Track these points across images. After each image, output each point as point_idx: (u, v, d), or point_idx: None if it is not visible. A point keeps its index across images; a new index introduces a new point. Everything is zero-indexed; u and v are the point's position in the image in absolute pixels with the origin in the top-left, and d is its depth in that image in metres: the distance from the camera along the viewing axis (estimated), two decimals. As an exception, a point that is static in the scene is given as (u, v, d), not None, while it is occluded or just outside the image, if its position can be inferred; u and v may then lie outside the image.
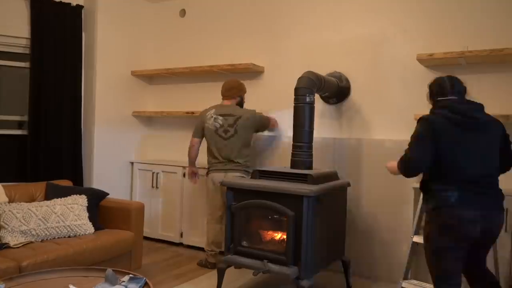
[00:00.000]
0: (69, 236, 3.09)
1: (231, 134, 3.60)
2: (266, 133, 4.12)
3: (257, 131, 3.79)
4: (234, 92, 3.74)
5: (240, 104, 3.80)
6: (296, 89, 3.22)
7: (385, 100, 3.62)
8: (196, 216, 4.26)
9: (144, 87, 4.92)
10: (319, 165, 3.71)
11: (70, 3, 4.20)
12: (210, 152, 3.70)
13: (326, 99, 3.84)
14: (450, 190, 2.18)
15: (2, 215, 2.92)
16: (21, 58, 4.09)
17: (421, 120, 2.27)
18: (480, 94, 3.25)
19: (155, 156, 4.92)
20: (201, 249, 4.09)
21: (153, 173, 4.52)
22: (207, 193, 3.78)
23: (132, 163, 4.70)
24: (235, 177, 3.50)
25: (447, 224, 2.18)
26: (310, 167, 3.19)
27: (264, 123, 3.80)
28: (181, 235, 4.38)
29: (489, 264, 2.47)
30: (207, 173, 3.74)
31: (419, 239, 3.32)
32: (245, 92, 3.84)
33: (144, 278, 2.12)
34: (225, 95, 3.75)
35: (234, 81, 3.79)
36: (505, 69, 3.17)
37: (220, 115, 3.64)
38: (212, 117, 3.66)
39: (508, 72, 3.16)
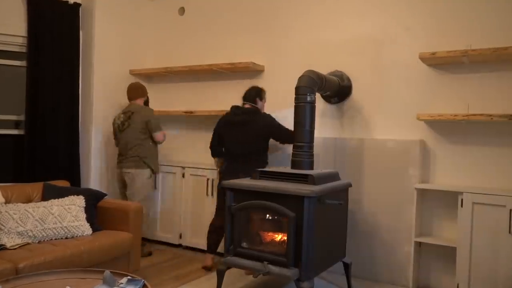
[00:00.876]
0: (66, 238, 3.05)
1: (125, 127, 4.03)
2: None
3: (147, 127, 4.01)
4: (139, 93, 4.15)
5: (146, 103, 4.25)
6: (296, 88, 3.18)
7: (387, 99, 3.58)
8: (195, 217, 4.22)
9: (142, 86, 4.88)
10: (320, 165, 3.68)
11: (67, 1, 4.16)
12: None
13: (327, 98, 3.81)
14: None
15: (-2, 216, 2.88)
16: (18, 56, 4.05)
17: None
18: (483, 93, 3.22)
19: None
20: (201, 250, 4.05)
21: (151, 173, 4.47)
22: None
23: (130, 163, 4.66)
24: (236, 179, 3.47)
25: None
26: (311, 167, 3.16)
27: (151, 126, 4.01)
28: (180, 236, 4.34)
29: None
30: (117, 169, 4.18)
31: (420, 239, 3.31)
32: (147, 93, 4.27)
33: (143, 280, 2.10)
34: (131, 96, 4.15)
35: (137, 83, 4.24)
36: (509, 68, 3.14)
37: (122, 113, 4.11)
38: (118, 117, 4.12)
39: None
